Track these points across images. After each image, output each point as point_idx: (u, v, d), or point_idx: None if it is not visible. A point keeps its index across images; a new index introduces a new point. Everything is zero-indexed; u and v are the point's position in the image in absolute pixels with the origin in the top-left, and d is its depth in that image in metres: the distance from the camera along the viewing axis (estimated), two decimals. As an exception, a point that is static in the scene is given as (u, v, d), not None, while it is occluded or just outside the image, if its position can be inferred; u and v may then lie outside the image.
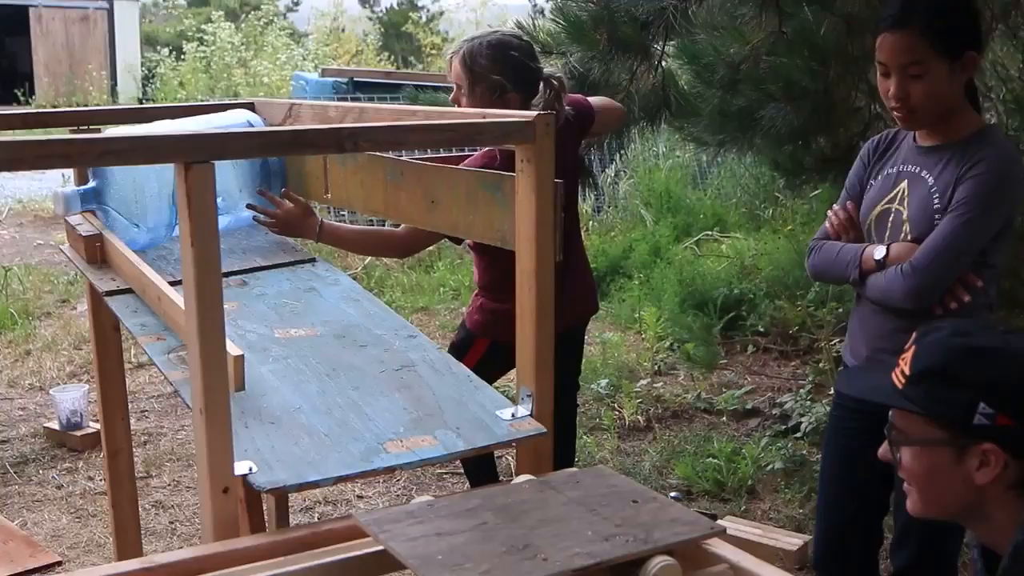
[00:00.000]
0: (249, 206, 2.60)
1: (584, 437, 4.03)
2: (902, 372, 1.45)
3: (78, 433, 4.03)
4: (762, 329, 5.36)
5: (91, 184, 2.46)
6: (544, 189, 1.81)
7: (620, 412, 4.33)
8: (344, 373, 2.00)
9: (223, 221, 2.60)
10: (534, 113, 1.79)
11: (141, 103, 19.48)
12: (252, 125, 2.54)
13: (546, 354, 1.87)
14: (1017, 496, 1.38)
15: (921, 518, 1.51)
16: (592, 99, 2.90)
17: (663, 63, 3.59)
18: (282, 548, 1.52)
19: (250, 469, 1.63)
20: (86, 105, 18.39)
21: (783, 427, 4.11)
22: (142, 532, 3.24)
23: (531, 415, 1.86)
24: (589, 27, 3.23)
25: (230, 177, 2.58)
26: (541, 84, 2.65)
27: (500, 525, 1.48)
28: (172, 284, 2.07)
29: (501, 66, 2.61)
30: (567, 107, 2.70)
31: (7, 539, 3.22)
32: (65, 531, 3.37)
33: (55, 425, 4.11)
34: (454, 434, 1.79)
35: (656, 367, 4.96)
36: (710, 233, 7.02)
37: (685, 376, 4.87)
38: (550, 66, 2.84)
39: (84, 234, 2.41)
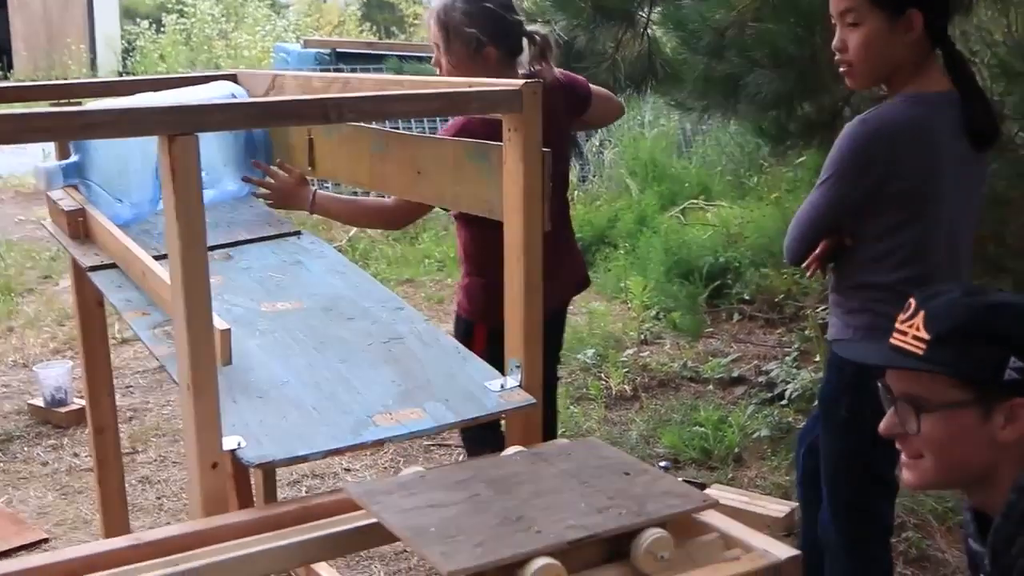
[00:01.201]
0: (245, 178, 2.57)
1: (571, 407, 4.03)
2: (916, 337, 1.42)
3: (63, 410, 4.01)
4: (748, 297, 5.36)
5: (73, 158, 2.43)
6: (532, 159, 1.79)
7: (607, 382, 4.33)
8: (331, 346, 1.99)
9: (207, 195, 2.56)
10: (521, 82, 1.77)
11: (121, 76, 19.29)
12: (235, 97, 2.51)
13: (535, 325, 1.86)
14: None
15: (921, 489, 1.51)
16: (592, 86, 2.83)
17: (649, 30, 3.57)
18: (273, 523, 1.51)
19: (239, 444, 1.62)
20: (66, 78, 18.21)
21: (769, 395, 4.12)
22: (129, 508, 3.23)
23: (520, 386, 1.85)
24: (574, -5, 3.20)
25: (214, 150, 2.54)
26: (525, 40, 2.59)
27: (493, 497, 1.48)
28: (156, 258, 2.04)
29: (475, 19, 2.53)
30: (560, 78, 2.66)
31: (-6, 517, 3.21)
32: (51, 508, 3.36)
33: (39, 402, 4.09)
34: (443, 406, 1.79)
35: (642, 336, 4.96)
36: (695, 202, 7.01)
37: (671, 345, 4.87)
38: (536, 24, 2.76)
39: (66, 209, 2.38)
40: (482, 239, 2.57)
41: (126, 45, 21.59)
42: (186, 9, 19.15)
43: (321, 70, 8.42)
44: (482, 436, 2.69)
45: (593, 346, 4.69)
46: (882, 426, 1.47)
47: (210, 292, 1.54)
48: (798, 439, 2.56)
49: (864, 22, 2.06)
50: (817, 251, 2.21)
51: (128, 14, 23.86)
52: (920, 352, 1.41)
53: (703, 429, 3.73)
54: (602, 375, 4.42)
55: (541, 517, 1.41)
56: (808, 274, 2.29)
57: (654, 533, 1.39)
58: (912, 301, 1.45)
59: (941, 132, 2.09)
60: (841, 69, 2.15)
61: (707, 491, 3.27)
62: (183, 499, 3.35)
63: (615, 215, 6.79)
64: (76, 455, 3.75)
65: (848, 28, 2.09)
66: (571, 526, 1.38)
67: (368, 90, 2.12)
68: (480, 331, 2.65)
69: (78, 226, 2.36)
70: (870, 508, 2.25)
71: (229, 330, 1.79)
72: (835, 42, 2.13)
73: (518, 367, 1.87)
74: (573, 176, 7.48)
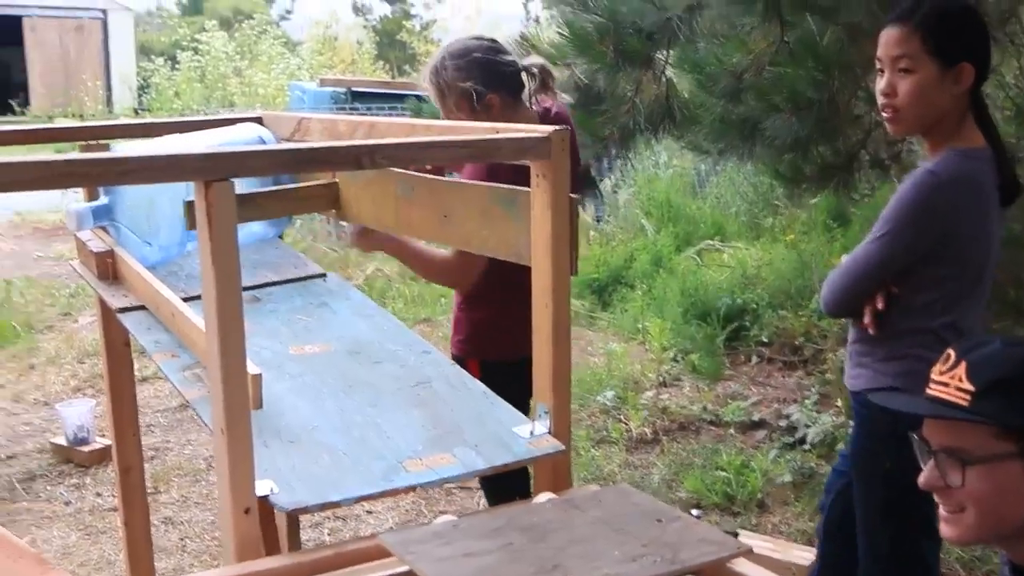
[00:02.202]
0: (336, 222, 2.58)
1: (592, 450, 4.02)
2: (959, 388, 1.41)
3: (85, 448, 4.01)
4: (766, 339, 5.35)
5: (103, 200, 2.45)
6: (560, 204, 1.80)
7: (627, 424, 4.32)
8: (360, 390, 1.99)
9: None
10: (550, 128, 1.78)
11: (137, 113, 19.50)
12: (264, 140, 2.54)
13: (564, 370, 1.87)
14: None
15: (962, 544, 1.49)
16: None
17: (666, 73, 3.59)
18: (307, 569, 1.51)
19: (271, 490, 1.62)
20: (81, 115, 18.39)
21: (790, 439, 4.09)
22: (157, 550, 3.23)
23: (549, 432, 1.85)
24: (595, 39, 3.23)
25: (242, 191, 2.57)
26: (524, 76, 2.57)
27: (527, 545, 1.47)
28: (186, 300, 2.06)
29: (467, 71, 2.51)
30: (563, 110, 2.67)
31: (18, 557, 3.16)
32: (75, 548, 3.36)
33: (62, 440, 4.10)
34: (473, 452, 1.78)
35: (661, 378, 4.95)
36: (711, 242, 7.02)
37: (691, 387, 4.86)
38: (533, 58, 2.73)
39: (95, 251, 2.40)
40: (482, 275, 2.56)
41: (141, 82, 21.84)
42: (200, 47, 19.36)
43: (337, 108, 8.50)
44: (503, 478, 2.69)
45: (612, 387, 4.68)
46: (921, 479, 1.45)
47: (244, 339, 1.55)
48: (825, 488, 2.54)
49: (918, 70, 2.07)
50: (879, 304, 2.17)
51: (143, 51, 24.19)
52: (965, 403, 1.40)
53: (725, 474, 3.71)
54: (622, 417, 4.40)
55: (576, 566, 1.40)
56: (868, 324, 2.18)
57: (689, 582, 1.39)
58: (951, 352, 1.44)
59: (990, 186, 2.13)
60: (885, 114, 2.15)
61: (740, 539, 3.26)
62: (206, 540, 3.34)
63: (631, 255, 6.80)
64: (99, 495, 3.75)
65: (899, 74, 2.10)
66: (607, 575, 1.38)
67: (394, 135, 2.13)
68: (472, 367, 2.59)
69: (107, 267, 2.38)
70: (916, 556, 2.23)
71: (260, 375, 1.80)
72: (883, 86, 2.12)
73: (547, 412, 1.87)
74: (588, 216, 7.51)
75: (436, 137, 1.87)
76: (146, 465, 3.89)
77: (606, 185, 7.70)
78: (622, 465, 3.94)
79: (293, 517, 2.79)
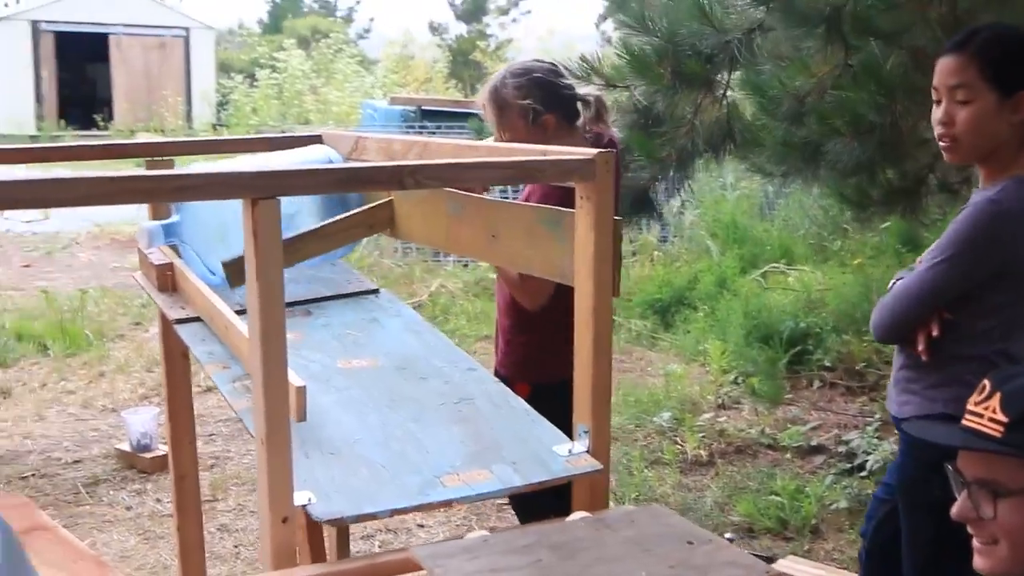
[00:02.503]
0: None
1: (645, 471, 4.01)
2: (992, 420, 1.39)
3: (148, 455, 4.11)
4: (828, 364, 5.30)
5: (174, 218, 2.52)
6: (603, 226, 1.82)
7: (682, 446, 4.29)
8: (404, 405, 2.02)
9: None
10: (595, 151, 1.80)
11: (215, 129, 19.93)
12: (332, 161, 2.59)
13: (604, 390, 1.88)
14: None
15: None
16: None
17: (727, 95, 3.59)
18: (339, 579, 1.54)
19: (309, 499, 1.66)
20: (162, 130, 18.89)
21: (849, 465, 4.04)
22: (207, 555, 3.30)
23: (588, 451, 1.86)
24: (653, 61, 3.24)
25: (305, 213, 2.61)
26: (580, 104, 2.61)
27: (555, 563, 1.48)
28: (238, 313, 2.11)
29: (527, 90, 2.57)
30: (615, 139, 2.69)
31: (77, 559, 3.27)
32: (133, 552, 3.44)
33: (126, 447, 4.20)
34: (510, 469, 1.80)
35: (720, 400, 4.92)
36: (776, 265, 6.96)
37: (749, 410, 4.82)
38: (590, 88, 2.77)
39: (156, 263, 2.47)
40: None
41: (220, 98, 22.34)
42: (278, 65, 19.73)
43: (407, 126, 8.60)
44: (531, 498, 2.69)
45: (670, 409, 4.66)
46: (954, 511, 1.44)
47: (286, 351, 1.59)
48: (866, 515, 2.51)
49: (975, 99, 2.06)
50: (933, 329, 2.15)
51: (223, 68, 24.71)
52: (998, 435, 1.38)
53: (779, 498, 3.67)
54: (678, 439, 4.38)
55: (602, 585, 1.41)
56: (921, 351, 2.16)
57: (715, 605, 1.39)
58: (986, 383, 1.43)
59: None
60: (942, 143, 2.14)
61: (779, 562, 3.22)
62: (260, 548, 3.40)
63: (695, 276, 6.78)
64: (159, 500, 3.84)
65: (956, 104, 2.09)
66: (631, 595, 1.39)
67: (446, 155, 2.17)
68: (522, 389, 2.60)
69: (167, 279, 2.46)
70: None
71: (304, 387, 1.84)
72: (940, 115, 2.11)
73: (586, 432, 1.88)
74: (652, 236, 7.50)
75: (479, 158, 1.90)
76: (206, 473, 4.00)
77: (671, 207, 7.67)
78: (675, 486, 3.92)
79: (343, 528, 2.86)
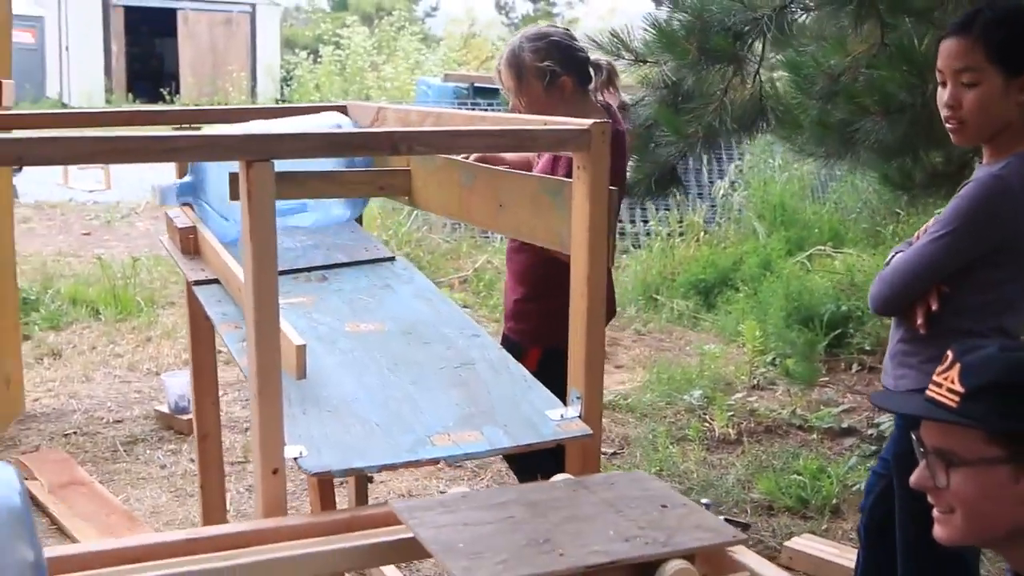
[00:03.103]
0: None
1: (670, 447, 4.03)
2: (950, 390, 1.41)
3: (184, 417, 4.22)
4: (868, 348, 5.25)
5: (187, 179, 2.60)
6: (598, 196, 1.84)
7: (711, 424, 4.31)
8: (405, 367, 2.08)
9: (309, 219, 2.71)
10: (589, 121, 1.83)
11: (277, 103, 20.17)
12: (340, 127, 2.64)
13: (597, 357, 1.91)
14: None
15: (953, 546, 1.48)
16: None
17: (759, 74, 3.58)
18: (322, 529, 1.59)
19: (300, 453, 1.72)
20: (226, 103, 19.16)
21: (876, 448, 4.01)
22: (235, 515, 3.40)
23: (580, 416, 1.90)
24: (681, 37, 3.25)
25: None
26: (592, 69, 2.69)
27: (526, 520, 1.53)
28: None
29: (546, 52, 2.67)
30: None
31: (109, 513, 3.42)
32: (164, 508, 3.56)
33: (165, 408, 4.33)
34: (501, 431, 1.85)
35: (755, 381, 4.91)
36: (823, 248, 6.90)
37: (783, 391, 4.81)
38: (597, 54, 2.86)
39: (180, 226, 2.55)
40: (542, 263, 2.64)
41: (284, 74, 22.59)
42: (342, 41, 19.88)
43: (459, 103, 8.65)
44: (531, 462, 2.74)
45: (701, 387, 4.67)
46: (913, 478, 1.45)
47: (278, 308, 1.65)
48: (864, 490, 2.52)
49: (982, 81, 2.07)
50: (932, 303, 2.16)
51: (288, 44, 24.98)
52: (953, 405, 1.40)
53: (801, 477, 3.67)
54: (707, 417, 4.39)
55: (568, 541, 1.45)
56: (919, 324, 2.18)
57: (678, 564, 1.42)
58: (949, 353, 1.44)
59: None
60: (949, 125, 2.15)
61: (794, 540, 3.23)
62: (289, 507, 3.49)
63: (740, 258, 6.75)
64: (192, 460, 3.93)
65: (962, 86, 2.08)
66: (595, 551, 1.43)
67: (457, 124, 2.22)
68: (534, 354, 2.69)
69: (189, 242, 2.53)
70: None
71: (304, 346, 1.89)
72: (946, 98, 2.12)
73: (579, 398, 1.92)
74: (699, 217, 7.47)
75: (471, 127, 1.94)
76: (239, 436, 4.11)
77: (718, 187, 7.65)
78: (699, 463, 3.94)
79: (361, 486, 2.93)
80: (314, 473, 1.71)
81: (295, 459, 1.71)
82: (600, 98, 2.71)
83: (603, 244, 1.88)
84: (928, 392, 1.45)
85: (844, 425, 4.33)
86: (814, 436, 4.24)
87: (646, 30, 3.32)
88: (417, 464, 1.80)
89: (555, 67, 2.66)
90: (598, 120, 1.84)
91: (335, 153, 2.16)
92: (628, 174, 3.61)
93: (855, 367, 5.14)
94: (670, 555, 1.44)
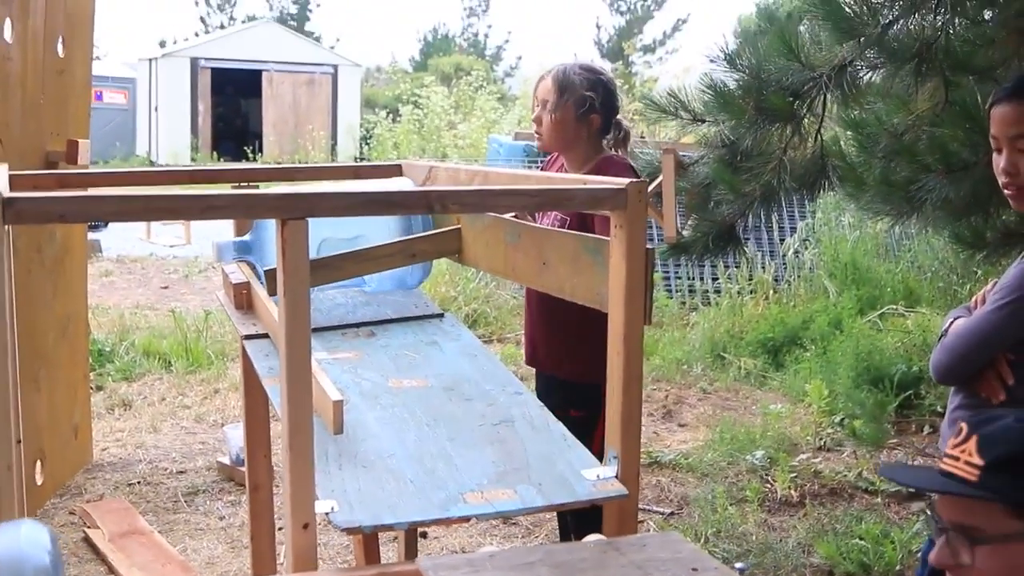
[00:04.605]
0: None
1: (729, 508, 3.96)
2: (968, 463, 1.37)
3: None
4: (940, 409, 5.11)
5: (247, 237, 2.66)
6: (635, 254, 1.84)
7: (772, 485, 4.22)
8: (444, 424, 2.08)
9: (387, 283, 2.74)
10: (627, 181, 1.84)
11: (356, 160, 20.56)
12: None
13: (634, 417, 1.90)
14: None
15: None
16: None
17: (822, 132, 3.55)
18: (348, 585, 1.60)
19: (332, 508, 1.73)
20: (306, 162, 19.61)
21: (943, 513, 3.90)
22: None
23: (616, 477, 1.88)
24: (737, 96, 3.24)
25: (383, 236, 2.70)
26: (613, 124, 2.84)
27: (549, 581, 1.51)
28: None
29: (592, 85, 2.81)
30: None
31: (165, 563, 3.46)
32: (219, 559, 3.59)
33: (226, 460, 4.39)
34: (535, 490, 1.83)
35: (821, 442, 4.81)
36: (895, 307, 6.77)
37: (849, 453, 4.70)
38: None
39: (235, 282, 2.61)
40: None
41: (364, 133, 23.02)
42: (421, 101, 20.23)
43: (528, 161, 8.72)
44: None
45: (764, 448, 4.59)
46: (932, 557, 1.40)
47: (310, 362, 1.67)
48: (920, 558, 2.44)
49: None
50: (1006, 375, 2.12)
51: (368, 104, 25.50)
52: (973, 479, 1.35)
53: (863, 542, 3.58)
54: (769, 478, 4.31)
55: (589, 604, 1.44)
56: (993, 395, 2.13)
57: (700, 631, 1.40)
58: (963, 425, 1.40)
59: None
60: (1008, 192, 2.12)
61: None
62: (338, 561, 3.51)
63: (810, 317, 6.65)
64: (250, 513, 3.99)
65: (1019, 152, 2.06)
66: (615, 615, 1.41)
67: (502, 183, 2.24)
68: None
69: (243, 298, 2.59)
70: None
71: (341, 402, 1.91)
72: (1004, 165, 2.09)
73: (615, 458, 1.90)
74: (768, 275, 7.39)
75: (506, 185, 1.96)
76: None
77: (787, 245, 7.56)
78: (759, 525, 3.86)
79: (411, 541, 2.94)
80: (344, 529, 1.71)
81: (326, 514, 1.72)
82: (609, 150, 2.85)
83: (640, 302, 1.88)
84: (943, 465, 1.40)
85: (912, 490, 4.21)
86: (879, 500, 4.13)
87: (703, 91, 3.32)
88: (447, 522, 1.79)
89: (595, 102, 2.80)
90: (634, 180, 1.85)
91: (373, 212, 2.19)
92: (686, 232, 3.61)
93: (926, 429, 5.02)
94: (693, 621, 1.41)
